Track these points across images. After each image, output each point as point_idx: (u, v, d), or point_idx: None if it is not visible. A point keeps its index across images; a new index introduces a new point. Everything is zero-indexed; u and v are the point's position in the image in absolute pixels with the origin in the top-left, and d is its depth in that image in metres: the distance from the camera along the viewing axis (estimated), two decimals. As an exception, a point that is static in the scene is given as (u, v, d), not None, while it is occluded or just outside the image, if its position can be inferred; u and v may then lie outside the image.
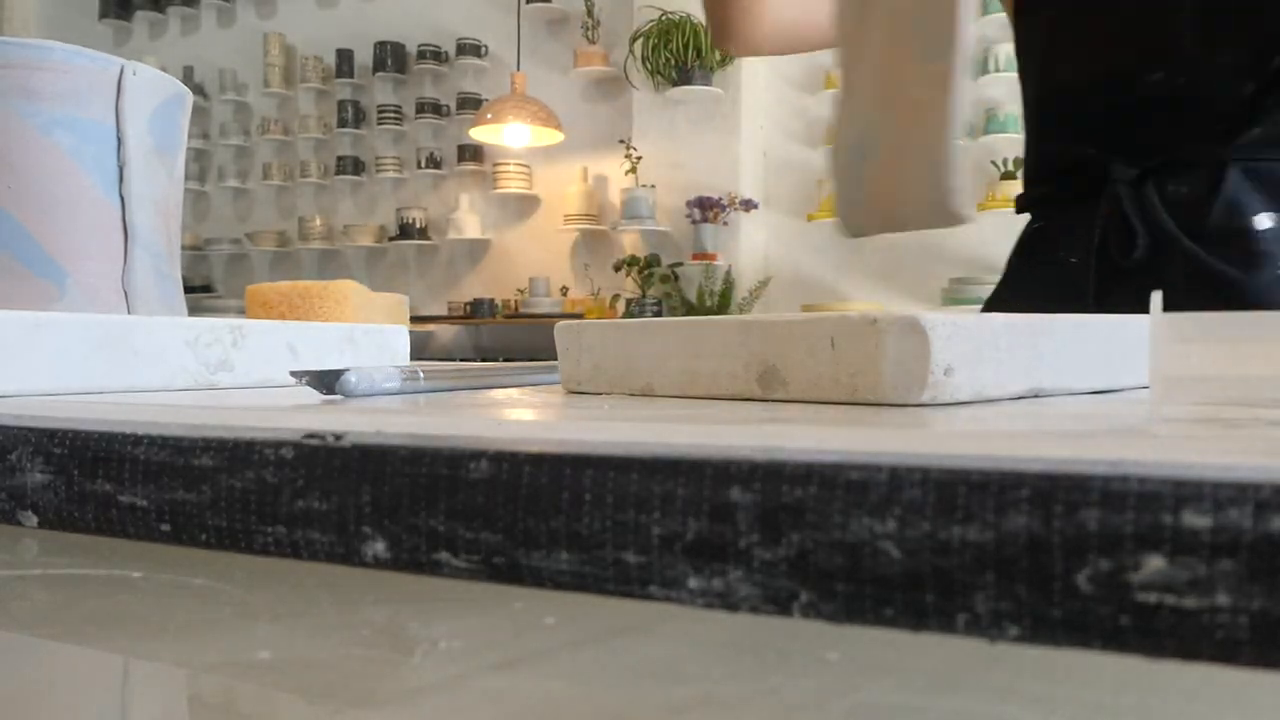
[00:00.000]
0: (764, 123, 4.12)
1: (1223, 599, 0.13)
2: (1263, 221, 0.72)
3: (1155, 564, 0.13)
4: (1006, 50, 3.41)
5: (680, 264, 4.01)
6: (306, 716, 0.16)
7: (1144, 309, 0.73)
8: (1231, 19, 0.72)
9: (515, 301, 4.63)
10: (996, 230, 3.09)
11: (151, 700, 0.19)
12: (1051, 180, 0.84)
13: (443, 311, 4.76)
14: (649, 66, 3.94)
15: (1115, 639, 0.14)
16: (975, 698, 0.16)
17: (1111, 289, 0.78)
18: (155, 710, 0.18)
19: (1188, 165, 0.75)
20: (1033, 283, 0.84)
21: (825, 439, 0.16)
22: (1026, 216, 0.87)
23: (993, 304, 0.88)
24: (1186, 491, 0.13)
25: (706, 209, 3.91)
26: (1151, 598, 0.13)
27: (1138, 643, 0.14)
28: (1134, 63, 0.75)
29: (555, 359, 0.38)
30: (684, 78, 3.88)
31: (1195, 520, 0.13)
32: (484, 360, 4.19)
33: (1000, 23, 3.21)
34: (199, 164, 5.34)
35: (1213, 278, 0.72)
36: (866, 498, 0.15)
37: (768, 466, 0.15)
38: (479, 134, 4.15)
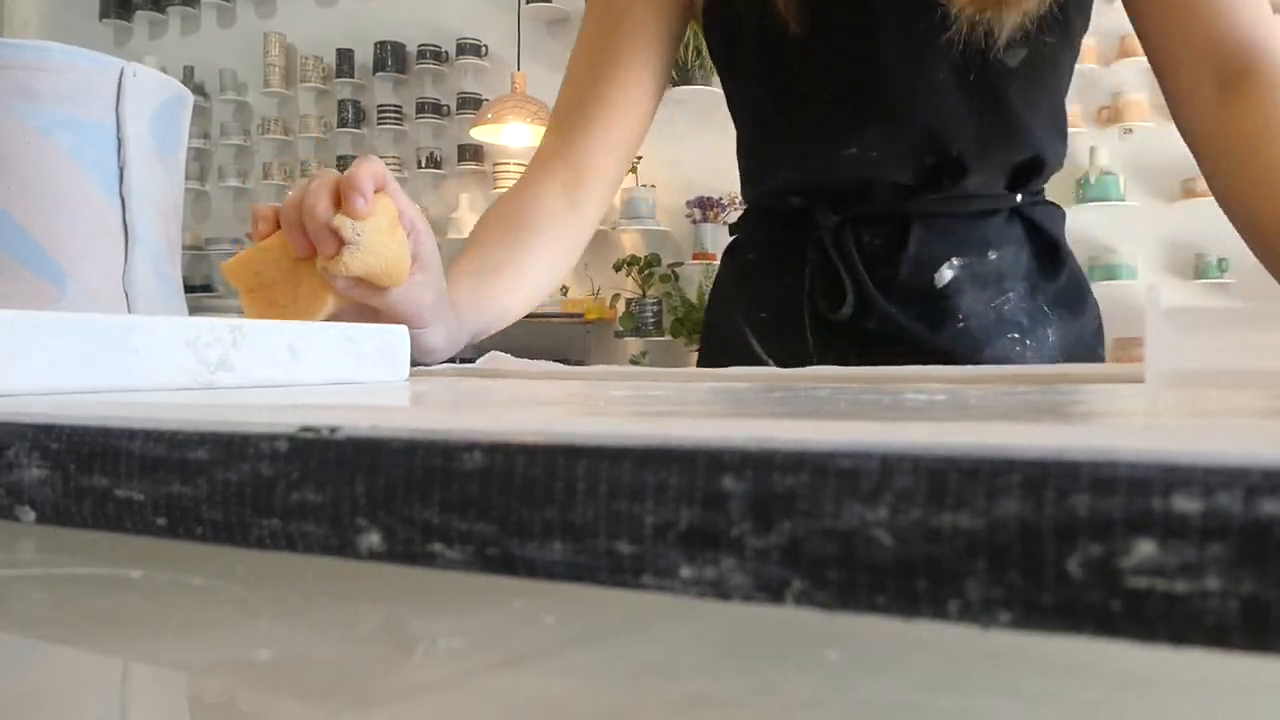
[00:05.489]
0: (764, 121, 4.11)
1: (1213, 583, 0.13)
2: (943, 275, 0.82)
3: (1146, 549, 0.13)
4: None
5: (680, 264, 4.01)
6: (307, 716, 0.17)
7: (861, 361, 0.75)
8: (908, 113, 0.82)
9: (516, 301, 4.62)
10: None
11: (151, 700, 0.19)
12: (766, 219, 0.95)
13: (444, 311, 4.76)
14: (649, 66, 3.93)
15: (1106, 624, 0.14)
16: (975, 696, 0.16)
17: (829, 340, 0.85)
18: (154, 710, 0.18)
19: (880, 217, 0.84)
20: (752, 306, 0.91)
21: (816, 428, 0.16)
22: None
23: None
24: (1177, 476, 0.13)
25: (706, 209, 3.91)
26: (1142, 583, 0.13)
27: (1129, 628, 0.14)
28: (834, 147, 0.84)
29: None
30: (684, 77, 3.88)
31: (1185, 505, 0.13)
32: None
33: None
34: (199, 164, 5.34)
35: (904, 332, 0.81)
36: (858, 485, 0.15)
37: (759, 455, 0.15)
38: (479, 134, 4.15)
